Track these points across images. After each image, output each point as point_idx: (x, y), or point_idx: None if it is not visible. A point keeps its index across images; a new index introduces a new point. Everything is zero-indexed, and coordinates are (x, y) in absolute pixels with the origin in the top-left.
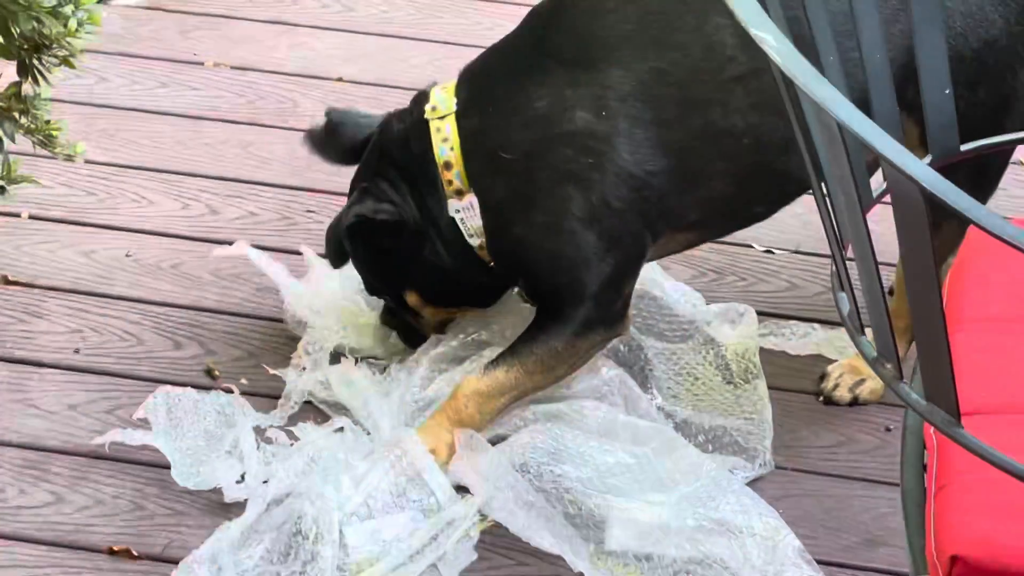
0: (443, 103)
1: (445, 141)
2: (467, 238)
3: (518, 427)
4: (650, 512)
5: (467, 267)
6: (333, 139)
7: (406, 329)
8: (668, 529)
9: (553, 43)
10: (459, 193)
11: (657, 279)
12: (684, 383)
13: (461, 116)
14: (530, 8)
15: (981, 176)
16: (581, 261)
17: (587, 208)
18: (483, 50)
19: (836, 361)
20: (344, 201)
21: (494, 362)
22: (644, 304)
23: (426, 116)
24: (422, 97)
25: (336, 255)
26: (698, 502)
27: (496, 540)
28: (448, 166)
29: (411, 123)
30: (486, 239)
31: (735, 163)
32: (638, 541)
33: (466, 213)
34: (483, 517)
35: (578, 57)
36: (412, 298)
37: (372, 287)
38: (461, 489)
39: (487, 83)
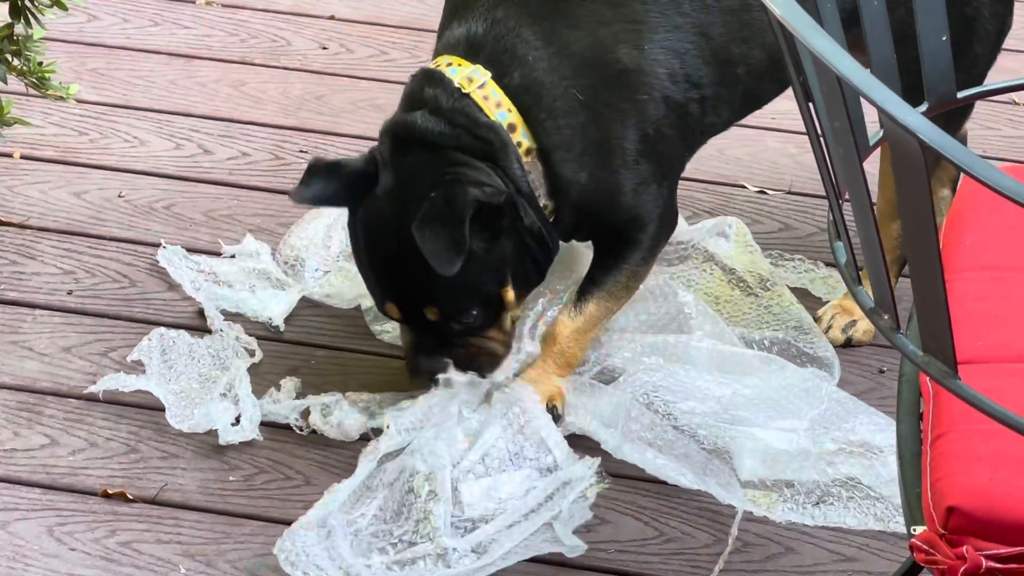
0: (469, 73)
1: (499, 106)
2: (539, 197)
3: (626, 359)
4: (785, 439)
5: (548, 232)
6: (324, 183)
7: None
8: (807, 454)
9: None
10: (528, 152)
11: None
12: (708, 304)
13: (499, 78)
14: None
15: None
16: (645, 190)
17: (644, 140)
18: (454, 17)
19: (826, 303)
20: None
21: (580, 298)
22: None
23: (465, 90)
24: (429, 82)
25: (454, 256)
26: (831, 425)
27: (610, 499)
28: (512, 128)
29: (449, 106)
30: (551, 190)
31: (754, 66)
32: (771, 469)
33: (535, 169)
34: (600, 479)
35: None
36: (510, 293)
37: (450, 294)
38: (576, 443)
39: (507, 39)
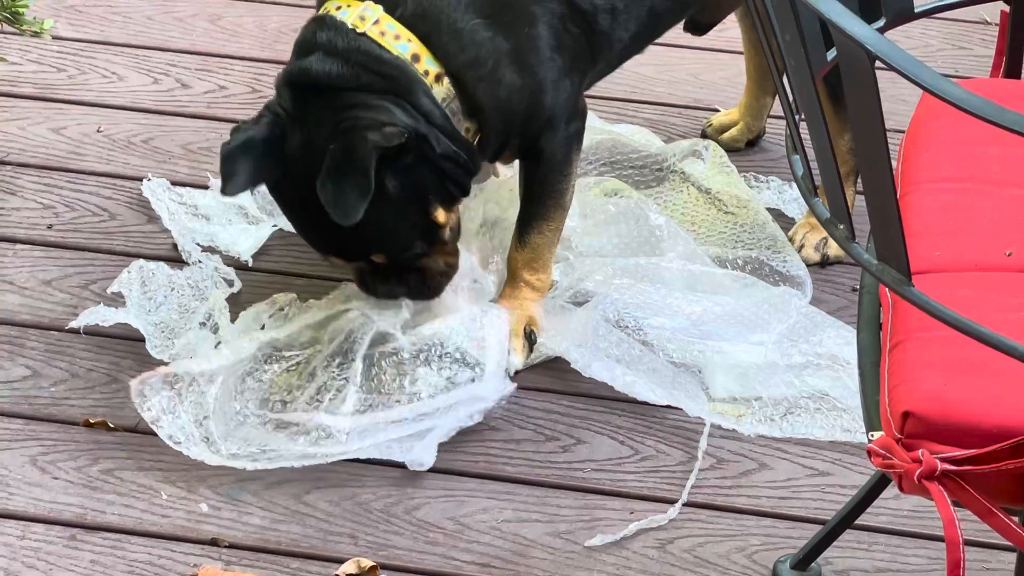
0: (360, 12)
1: (397, 38)
2: (453, 119)
3: (598, 283)
4: (754, 353)
5: (468, 153)
6: (245, 165)
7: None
8: (775, 367)
9: None
10: (438, 79)
11: (606, 127)
12: (683, 225)
13: (392, 11)
14: None
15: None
16: (560, 85)
17: (556, 35)
18: None
19: (795, 223)
20: None
21: (521, 230)
22: (611, 150)
23: (360, 30)
24: (320, 27)
25: (356, 204)
26: (799, 338)
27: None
28: (416, 58)
29: (345, 46)
30: (469, 110)
31: None
32: (742, 384)
33: (448, 94)
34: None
35: None
36: (441, 214)
37: (388, 239)
38: (550, 365)
39: None
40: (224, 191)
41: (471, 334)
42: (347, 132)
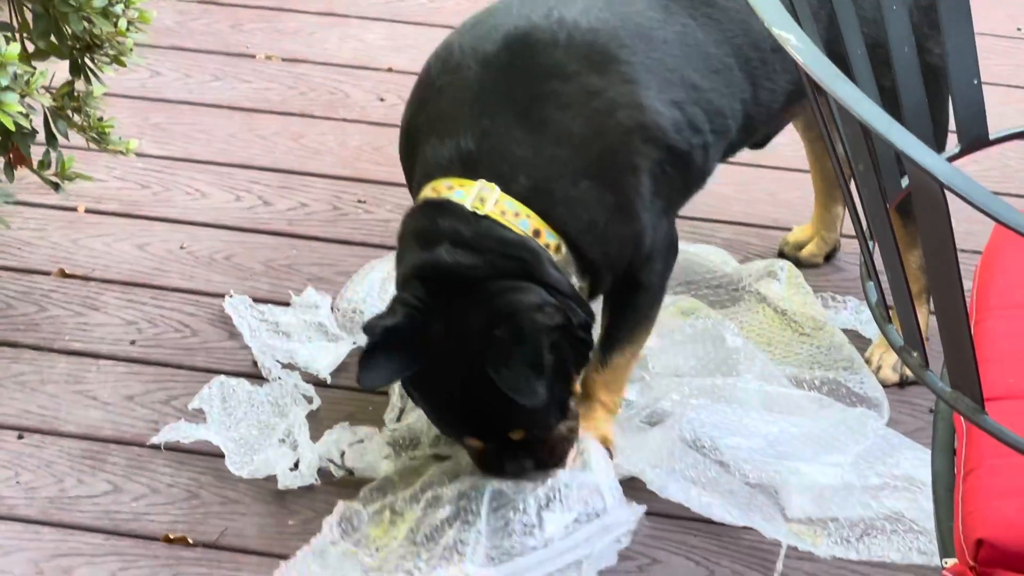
0: (477, 192)
1: (518, 215)
2: (576, 287)
3: (675, 402)
4: (830, 474)
5: (588, 314)
6: (386, 357)
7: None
8: (852, 489)
9: (548, 63)
10: (557, 249)
11: (683, 247)
12: (759, 345)
13: (507, 188)
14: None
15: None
16: (659, 225)
17: (656, 181)
18: (431, 135)
19: (871, 343)
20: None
21: (604, 351)
22: (688, 269)
23: (481, 213)
24: (439, 213)
25: (536, 385)
26: (876, 460)
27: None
28: (537, 233)
29: (472, 234)
30: (582, 270)
31: (738, 118)
32: (818, 505)
33: (566, 260)
34: (639, 526)
35: (576, 65)
36: (576, 386)
37: (537, 415)
38: (624, 485)
39: (501, 146)
40: (363, 382)
41: (578, 476)
42: (511, 316)
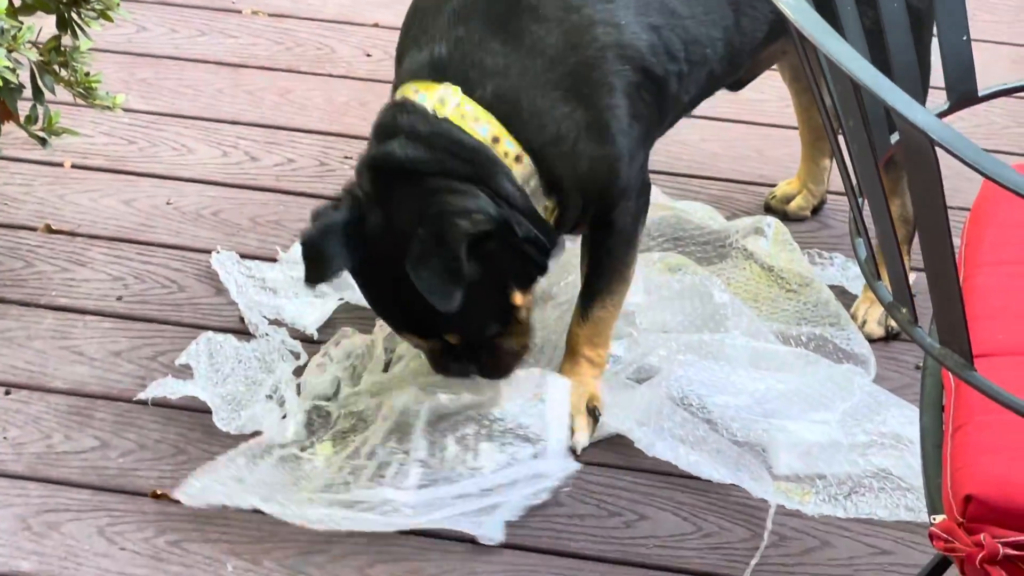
0: (440, 95)
1: (477, 120)
2: (532, 199)
3: (662, 358)
4: (817, 431)
5: (546, 233)
6: (326, 251)
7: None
8: (839, 446)
9: None
10: (517, 159)
11: (670, 203)
12: (746, 302)
13: (471, 93)
14: None
15: None
16: (636, 154)
17: (633, 104)
18: (412, 44)
19: (856, 298)
20: None
21: (584, 305)
22: (675, 226)
23: (441, 115)
24: (400, 111)
25: (453, 292)
26: (863, 417)
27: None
28: (496, 139)
29: (427, 131)
30: (548, 188)
31: (718, 48)
32: (806, 462)
33: (528, 173)
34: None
35: None
36: (518, 296)
37: (465, 320)
38: (613, 441)
39: (473, 55)
40: (308, 279)
41: (531, 410)
42: (436, 218)
